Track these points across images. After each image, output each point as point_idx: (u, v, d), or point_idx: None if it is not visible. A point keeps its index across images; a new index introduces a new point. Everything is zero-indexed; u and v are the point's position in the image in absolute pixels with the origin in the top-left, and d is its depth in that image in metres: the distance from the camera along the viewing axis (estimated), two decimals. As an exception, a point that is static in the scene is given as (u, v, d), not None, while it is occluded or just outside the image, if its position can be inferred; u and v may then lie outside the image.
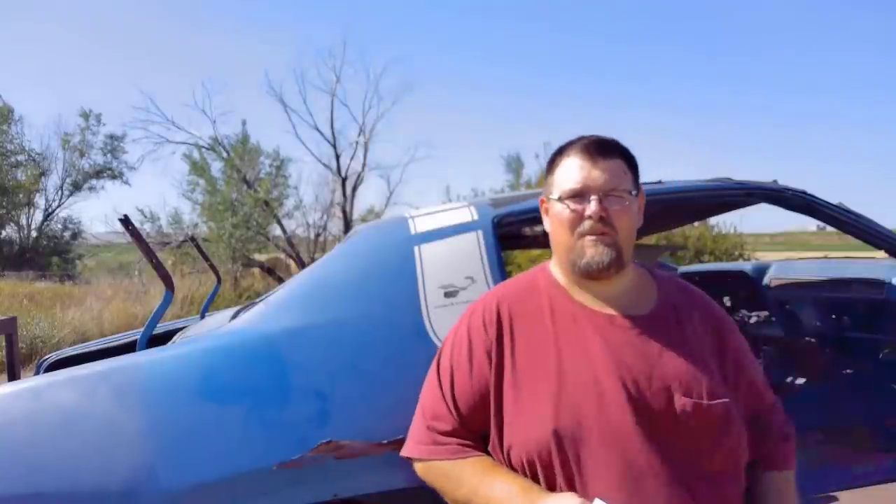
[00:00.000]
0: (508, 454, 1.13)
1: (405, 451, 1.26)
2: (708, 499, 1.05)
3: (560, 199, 1.17)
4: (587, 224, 1.14)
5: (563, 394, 1.09)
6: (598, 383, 1.09)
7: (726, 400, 1.10)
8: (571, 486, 1.05)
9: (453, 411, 1.20)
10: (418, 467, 1.24)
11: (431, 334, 1.54)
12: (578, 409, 1.07)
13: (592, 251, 1.14)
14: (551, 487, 1.07)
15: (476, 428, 1.20)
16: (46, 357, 2.68)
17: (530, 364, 1.15)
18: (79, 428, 1.44)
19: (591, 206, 1.13)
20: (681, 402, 1.07)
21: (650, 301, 1.21)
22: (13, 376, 2.74)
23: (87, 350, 2.68)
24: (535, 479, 1.09)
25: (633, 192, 1.17)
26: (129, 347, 2.35)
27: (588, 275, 1.16)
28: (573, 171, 1.17)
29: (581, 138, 1.21)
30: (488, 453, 1.19)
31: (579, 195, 1.15)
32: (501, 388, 1.16)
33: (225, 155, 18.02)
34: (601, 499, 0.99)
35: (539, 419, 1.09)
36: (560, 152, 1.23)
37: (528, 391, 1.13)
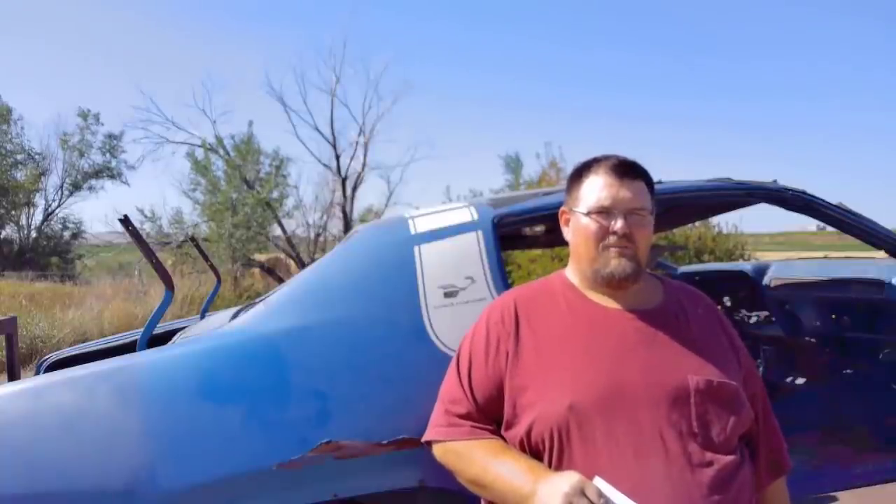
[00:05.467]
0: (529, 431, 1.18)
1: (426, 436, 1.33)
2: (716, 475, 1.11)
3: (588, 214, 1.27)
4: (612, 238, 1.25)
5: (583, 375, 1.17)
6: (615, 363, 1.18)
7: (734, 383, 1.20)
8: (585, 460, 1.11)
9: (469, 396, 1.27)
10: (436, 449, 1.30)
11: (431, 334, 1.55)
12: (596, 388, 1.15)
13: (616, 262, 1.25)
14: (567, 463, 1.13)
15: (490, 412, 1.27)
16: (46, 357, 2.68)
17: (553, 351, 1.23)
18: (79, 428, 1.44)
19: (618, 224, 1.24)
20: (693, 380, 1.16)
21: (657, 298, 1.33)
22: (13, 376, 2.74)
23: (87, 350, 2.68)
24: (550, 455, 1.15)
25: (651, 212, 1.29)
26: (129, 347, 2.35)
27: (609, 283, 1.27)
28: (602, 189, 1.27)
29: (608, 158, 1.31)
30: (502, 437, 1.25)
31: (607, 211, 1.25)
32: (521, 371, 1.23)
33: (226, 155, 18.02)
34: (601, 477, 1.03)
35: (558, 396, 1.16)
36: (587, 168, 1.32)
37: (552, 374, 1.20)
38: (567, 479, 1.01)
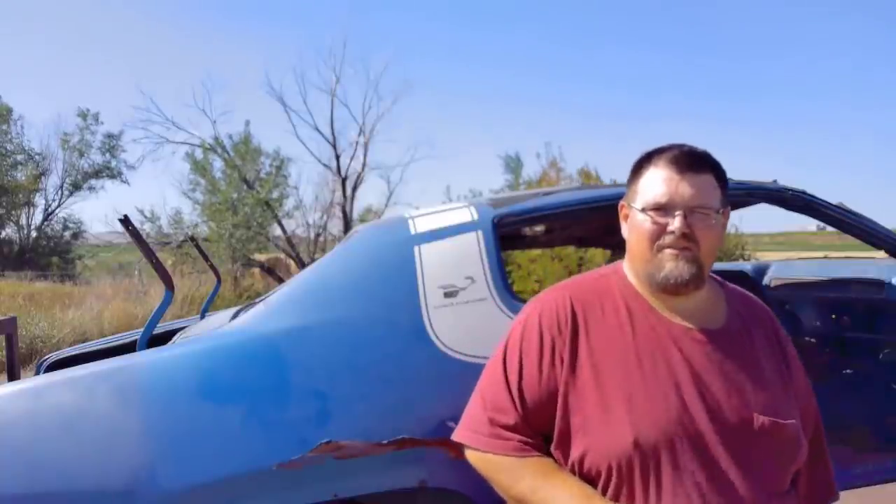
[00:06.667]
0: (581, 458, 1.10)
1: (460, 437, 1.22)
2: None
3: (643, 210, 1.14)
4: (668, 238, 1.11)
5: (647, 404, 1.07)
6: (680, 395, 1.07)
7: (795, 421, 1.11)
8: (646, 498, 1.04)
9: (518, 406, 1.16)
10: (472, 455, 1.21)
11: (431, 334, 1.54)
12: (661, 421, 1.06)
13: (672, 265, 1.11)
14: (626, 497, 1.05)
15: (539, 426, 1.16)
16: (46, 357, 2.67)
17: (612, 368, 1.12)
18: (79, 428, 1.44)
19: (676, 222, 1.10)
20: (759, 420, 1.07)
21: (722, 314, 1.20)
22: (13, 376, 2.74)
23: (87, 350, 2.67)
24: (606, 486, 1.07)
25: (720, 210, 1.14)
26: (129, 347, 2.35)
27: (665, 289, 1.14)
28: (660, 183, 1.13)
29: (671, 147, 1.17)
30: (549, 453, 1.16)
31: (664, 208, 1.12)
32: (575, 389, 1.13)
33: (225, 155, 18.03)
34: None
35: (620, 428, 1.06)
36: (647, 159, 1.19)
37: (611, 397, 1.10)
38: None
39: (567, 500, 1.06)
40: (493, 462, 1.17)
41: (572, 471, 1.12)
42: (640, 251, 1.16)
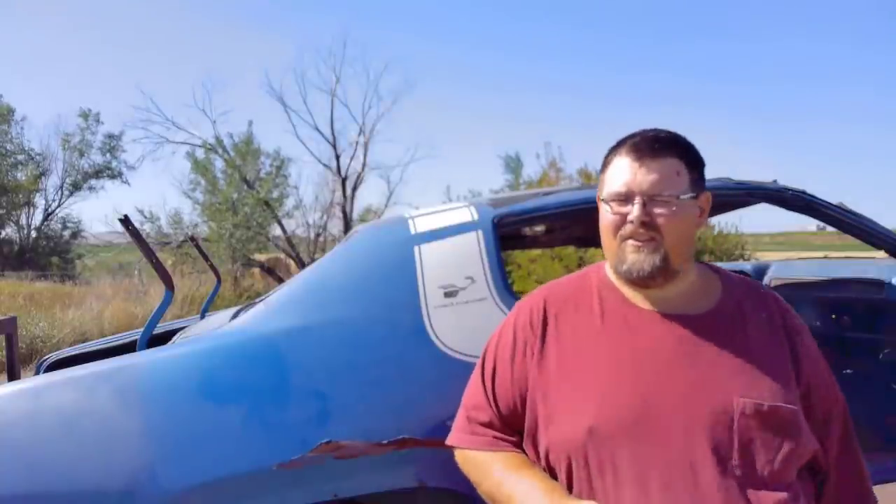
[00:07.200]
0: (547, 451, 1.09)
1: (448, 440, 1.26)
2: None
3: (605, 201, 1.12)
4: (628, 228, 1.07)
5: (608, 393, 1.04)
6: (647, 379, 1.04)
7: (791, 406, 1.03)
8: (605, 491, 1.01)
9: (492, 404, 1.19)
10: (457, 456, 1.23)
11: (431, 334, 1.54)
12: (621, 410, 1.03)
13: (633, 257, 1.07)
14: (586, 491, 1.03)
15: (513, 422, 1.18)
16: (46, 357, 2.67)
17: (577, 361, 1.11)
18: (79, 428, 1.44)
19: (634, 211, 1.06)
20: (740, 402, 1.00)
21: (711, 300, 1.13)
22: (13, 376, 2.74)
23: (87, 350, 2.68)
24: (567, 478, 1.05)
25: (686, 196, 1.07)
26: (129, 347, 2.35)
27: (630, 281, 1.11)
28: (619, 172, 1.10)
29: (635, 134, 1.12)
30: (524, 451, 1.17)
31: (624, 198, 1.08)
32: (543, 383, 1.13)
33: (225, 155, 18.03)
34: None
35: (579, 418, 1.04)
36: (612, 150, 1.15)
37: (573, 388, 1.08)
38: None
39: (527, 493, 1.04)
40: (468, 458, 1.19)
41: (542, 464, 1.11)
42: (607, 243, 1.13)
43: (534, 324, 1.18)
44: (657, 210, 1.06)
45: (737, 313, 1.12)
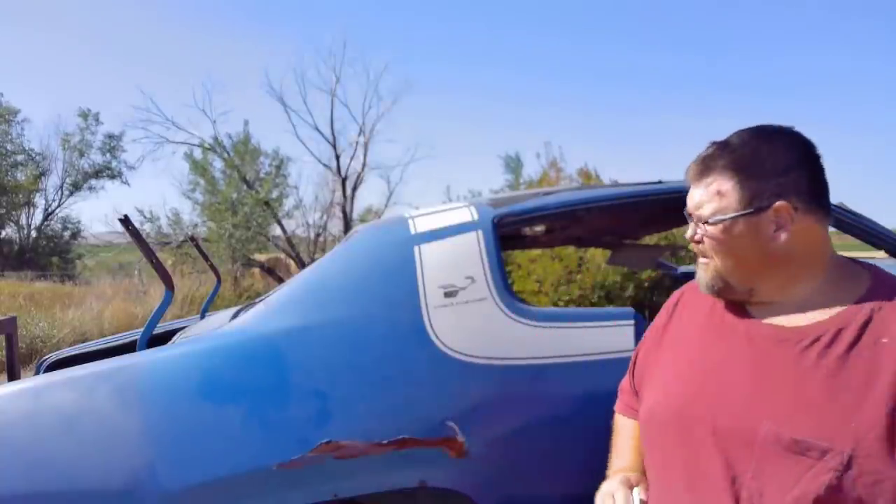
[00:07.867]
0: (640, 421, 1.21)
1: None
2: None
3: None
4: (692, 246, 1.12)
5: (676, 378, 1.11)
6: (699, 384, 1.04)
7: (829, 445, 0.88)
8: (655, 467, 1.11)
9: (631, 370, 1.31)
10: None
11: (431, 334, 1.55)
12: (677, 398, 1.07)
13: (699, 274, 1.12)
14: (647, 465, 1.14)
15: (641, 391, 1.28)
16: (46, 357, 2.68)
17: (673, 348, 1.18)
18: (79, 428, 1.44)
19: (688, 231, 1.11)
20: (765, 427, 0.93)
21: (824, 314, 0.99)
22: (13, 376, 2.75)
23: (87, 350, 2.68)
24: (644, 452, 1.17)
25: (732, 215, 1.01)
26: (129, 347, 2.35)
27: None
28: None
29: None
30: None
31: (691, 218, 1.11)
32: (652, 362, 1.22)
33: (224, 154, 18.04)
34: (641, 490, 1.07)
35: (650, 395, 1.15)
36: None
37: (661, 371, 1.17)
38: (609, 481, 1.10)
39: (611, 463, 1.22)
40: (615, 419, 1.33)
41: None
42: None
43: (669, 305, 1.27)
44: (707, 230, 1.05)
45: (839, 335, 0.95)
